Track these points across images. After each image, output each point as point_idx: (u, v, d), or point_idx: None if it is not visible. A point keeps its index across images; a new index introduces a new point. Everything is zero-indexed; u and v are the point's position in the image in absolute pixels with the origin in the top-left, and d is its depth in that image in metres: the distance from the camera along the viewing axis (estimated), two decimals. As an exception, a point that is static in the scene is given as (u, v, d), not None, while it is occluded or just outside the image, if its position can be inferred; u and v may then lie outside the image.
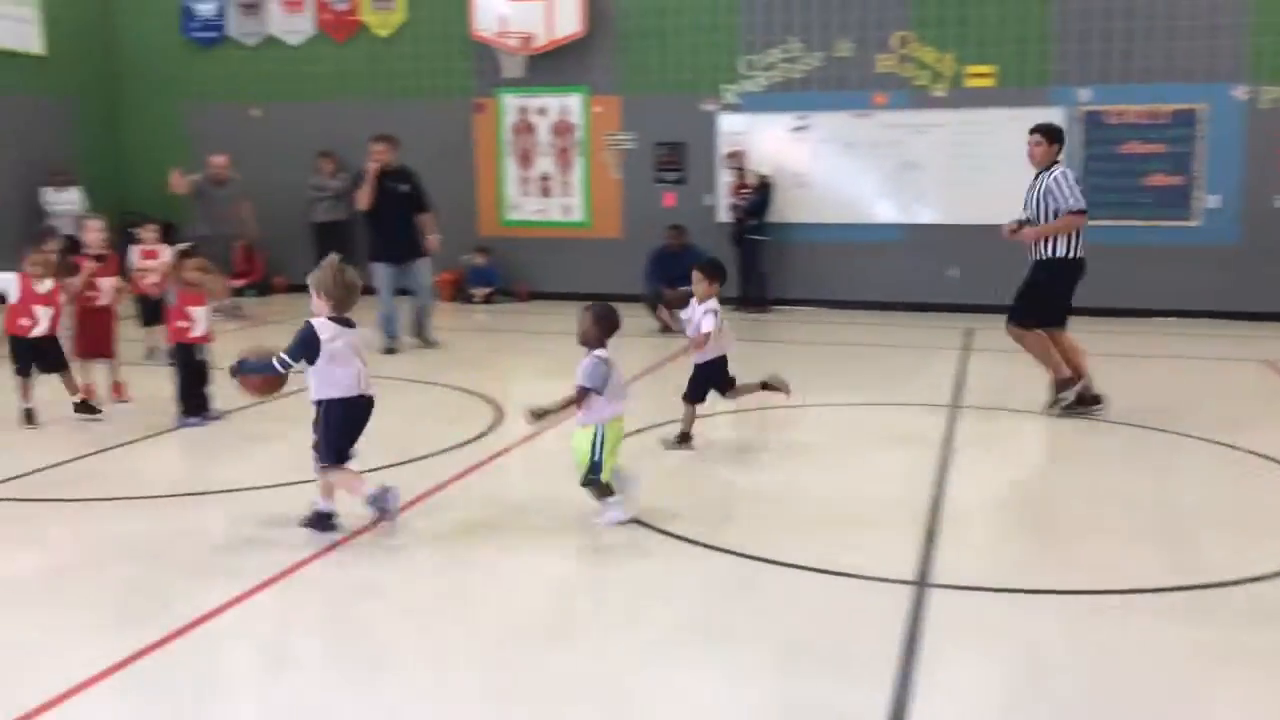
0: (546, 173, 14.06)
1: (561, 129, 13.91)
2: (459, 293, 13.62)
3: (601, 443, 4.92)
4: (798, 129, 13.13)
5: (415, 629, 4.02)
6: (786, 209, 13.10)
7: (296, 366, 4.83)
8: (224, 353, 7.93)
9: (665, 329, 11.34)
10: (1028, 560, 4.74)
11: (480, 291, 13.67)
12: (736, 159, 12.93)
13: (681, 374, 9.31)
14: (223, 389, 7.07)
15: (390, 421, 7.10)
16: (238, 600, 4.16)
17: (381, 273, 9.99)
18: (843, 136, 12.99)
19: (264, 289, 14.12)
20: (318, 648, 3.90)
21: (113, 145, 15.11)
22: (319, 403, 4.83)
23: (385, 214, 10.04)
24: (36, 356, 6.93)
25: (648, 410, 7.63)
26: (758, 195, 12.81)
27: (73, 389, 7.09)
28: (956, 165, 12.71)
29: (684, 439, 6.66)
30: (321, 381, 4.80)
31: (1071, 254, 7.34)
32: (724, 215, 13.20)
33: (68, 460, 6.20)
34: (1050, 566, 4.64)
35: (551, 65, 13.58)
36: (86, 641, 3.83)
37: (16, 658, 3.72)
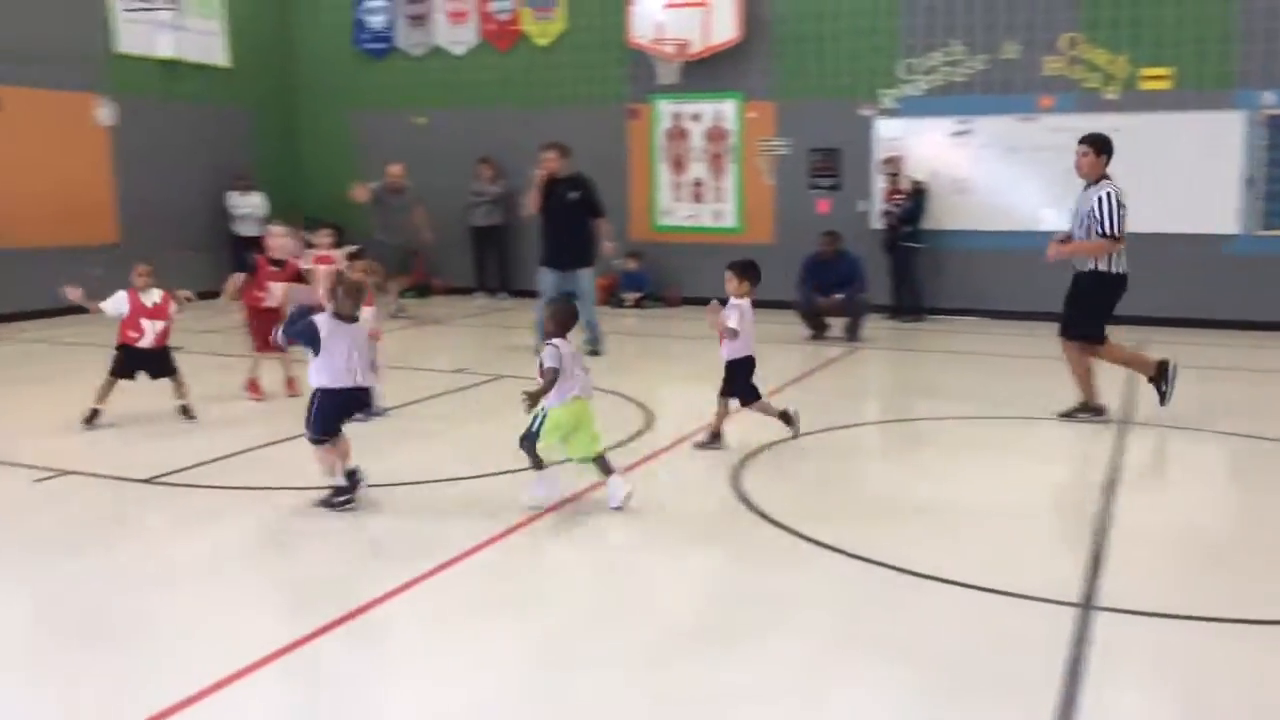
0: (699, 178, 14.10)
1: (715, 135, 13.93)
2: (610, 297, 13.79)
3: (544, 419, 5.32)
4: (958, 133, 12.81)
5: (572, 632, 4.07)
6: (944, 216, 12.80)
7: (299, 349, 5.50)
8: (393, 349, 8.28)
9: (816, 336, 11.27)
10: (1202, 586, 4.49)
11: (631, 296, 13.81)
12: (892, 165, 12.70)
13: (832, 380, 9.24)
14: (389, 386, 7.37)
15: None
16: (394, 593, 4.30)
17: (545, 277, 10.19)
18: (1006, 141, 12.61)
19: (424, 291, 14.59)
20: (471, 646, 3.99)
21: (289, 152, 15.90)
22: (314, 388, 5.38)
23: (552, 220, 10.18)
24: (144, 365, 7.19)
25: (799, 417, 7.57)
26: (911, 202, 12.55)
27: (180, 394, 7.29)
28: (1127, 171, 12.00)
29: (715, 438, 6.66)
30: (316, 370, 5.32)
31: (1112, 270, 7.16)
32: (878, 222, 12.99)
33: (243, 450, 6.54)
34: (1226, 594, 4.38)
35: (706, 71, 13.62)
36: (254, 625, 4.03)
37: (187, 638, 3.93)
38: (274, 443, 6.66)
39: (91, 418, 7.05)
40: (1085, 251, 7.17)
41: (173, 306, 7.28)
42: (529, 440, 5.36)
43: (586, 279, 10.14)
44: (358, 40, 15.43)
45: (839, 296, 11.22)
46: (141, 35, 13.49)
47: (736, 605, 4.30)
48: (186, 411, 7.27)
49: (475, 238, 14.54)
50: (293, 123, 15.97)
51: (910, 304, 12.68)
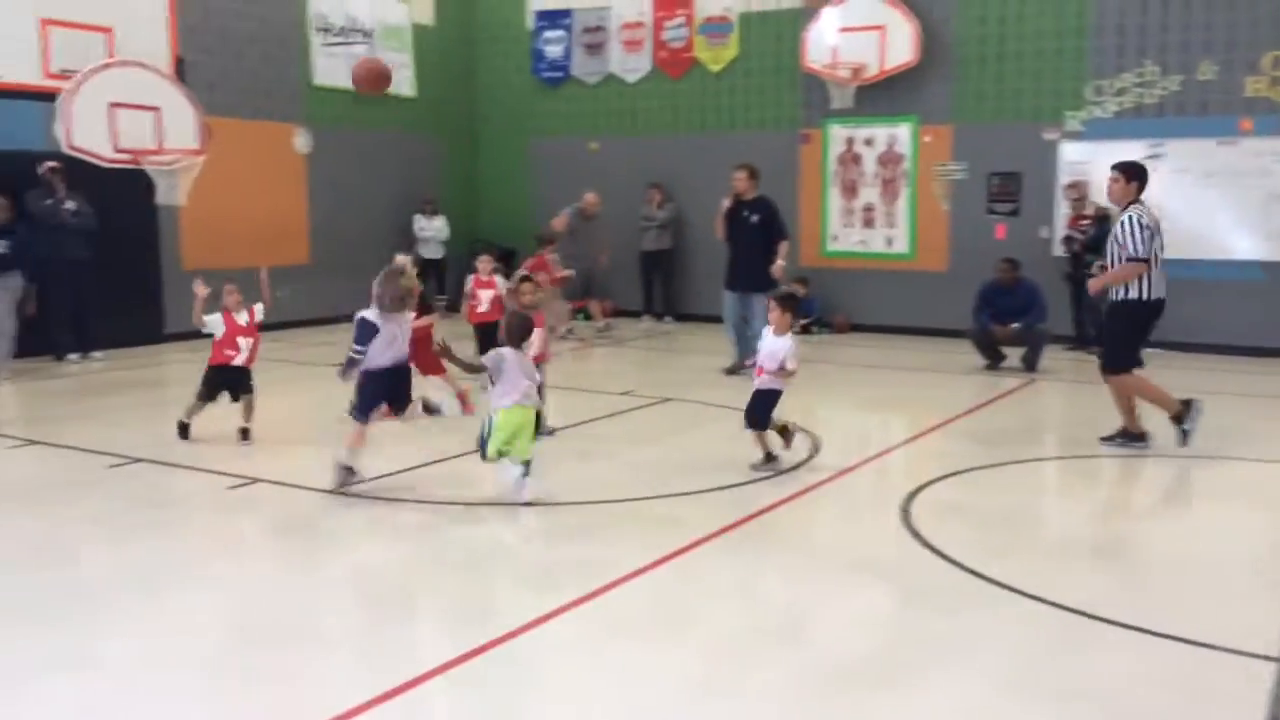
0: (870, 203, 13.90)
1: (888, 159, 13.71)
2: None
3: (491, 426, 5.75)
4: (1150, 157, 12.18)
5: (732, 659, 4.04)
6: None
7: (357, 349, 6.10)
8: (562, 371, 8.44)
9: (991, 366, 10.90)
10: None
11: (798, 322, 13.68)
12: (1077, 190, 12.21)
13: (1008, 412, 8.92)
14: (558, 406, 7.52)
15: (705, 446, 7.27)
16: (556, 613, 4.37)
17: (727, 299, 10.28)
18: (1201, 165, 11.94)
19: (590, 314, 14.83)
20: (627, 670, 4.02)
21: (469, 178, 16.51)
22: (361, 372, 6.14)
23: (734, 242, 10.23)
24: (231, 383, 7.47)
25: (970, 454, 7.35)
26: (1096, 228, 12.01)
27: (246, 416, 7.47)
28: (1336, 197, 11.33)
29: (769, 459, 6.66)
30: (369, 358, 6.09)
31: (1144, 296, 7.16)
32: (1059, 249, 12.50)
33: (414, 466, 6.78)
34: None
35: (881, 95, 13.44)
36: (419, 638, 4.17)
37: (358, 649, 4.08)
38: (456, 456, 6.87)
39: (183, 432, 7.40)
40: (1118, 278, 7.20)
41: (259, 318, 7.55)
42: (482, 443, 5.81)
43: (759, 304, 10.06)
44: (536, 69, 15.90)
45: (1016, 325, 10.84)
46: (336, 68, 14.25)
47: (903, 641, 4.19)
48: (246, 434, 7.39)
49: (643, 262, 14.72)
50: (473, 149, 16.57)
51: (1093, 335, 12.12)
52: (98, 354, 10.96)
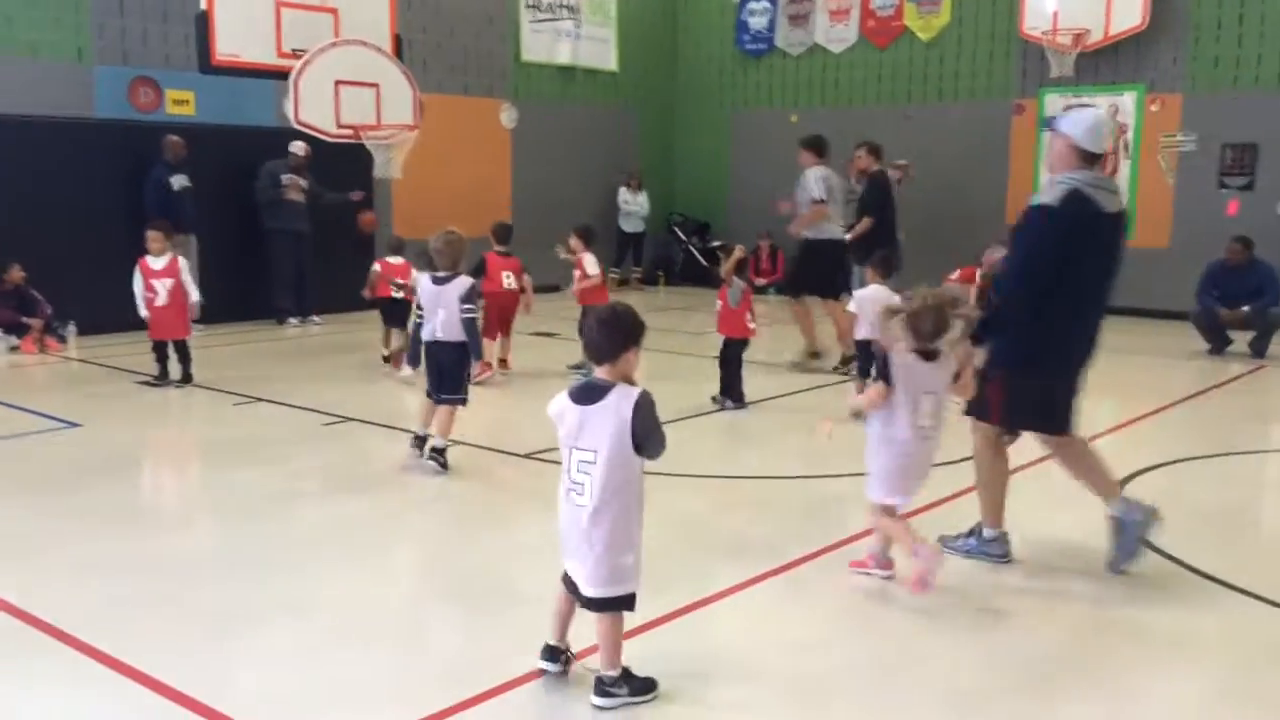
0: (1088, 177, 13.15)
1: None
2: (980, 295, 13.17)
3: None
4: None
5: (932, 642, 3.96)
6: (1387, 221, 11.12)
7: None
8: (762, 347, 8.40)
9: (1215, 350, 10.17)
10: None
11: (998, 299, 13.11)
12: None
13: (1233, 400, 8.31)
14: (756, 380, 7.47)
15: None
16: (742, 586, 4.37)
17: None
18: None
19: (782, 288, 14.65)
20: (835, 633, 3.98)
21: (668, 151, 16.60)
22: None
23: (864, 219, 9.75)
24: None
25: (1188, 439, 6.90)
26: (1348, 203, 11.00)
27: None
28: None
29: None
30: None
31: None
32: (1303, 226, 11.51)
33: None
34: None
35: (1104, 62, 12.69)
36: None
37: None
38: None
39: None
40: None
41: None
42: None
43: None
44: (739, 41, 15.80)
45: (1246, 308, 10.07)
46: (544, 44, 14.58)
47: (1115, 639, 3.97)
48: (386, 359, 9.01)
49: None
50: (673, 122, 16.65)
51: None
52: (316, 319, 11.65)
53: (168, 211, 9.82)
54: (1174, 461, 6.27)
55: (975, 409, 4.59)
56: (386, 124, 10.07)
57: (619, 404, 3.21)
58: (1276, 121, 11.75)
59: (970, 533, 4.74)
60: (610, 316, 3.32)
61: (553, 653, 3.49)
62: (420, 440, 6.07)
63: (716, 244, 14.52)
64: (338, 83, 9.65)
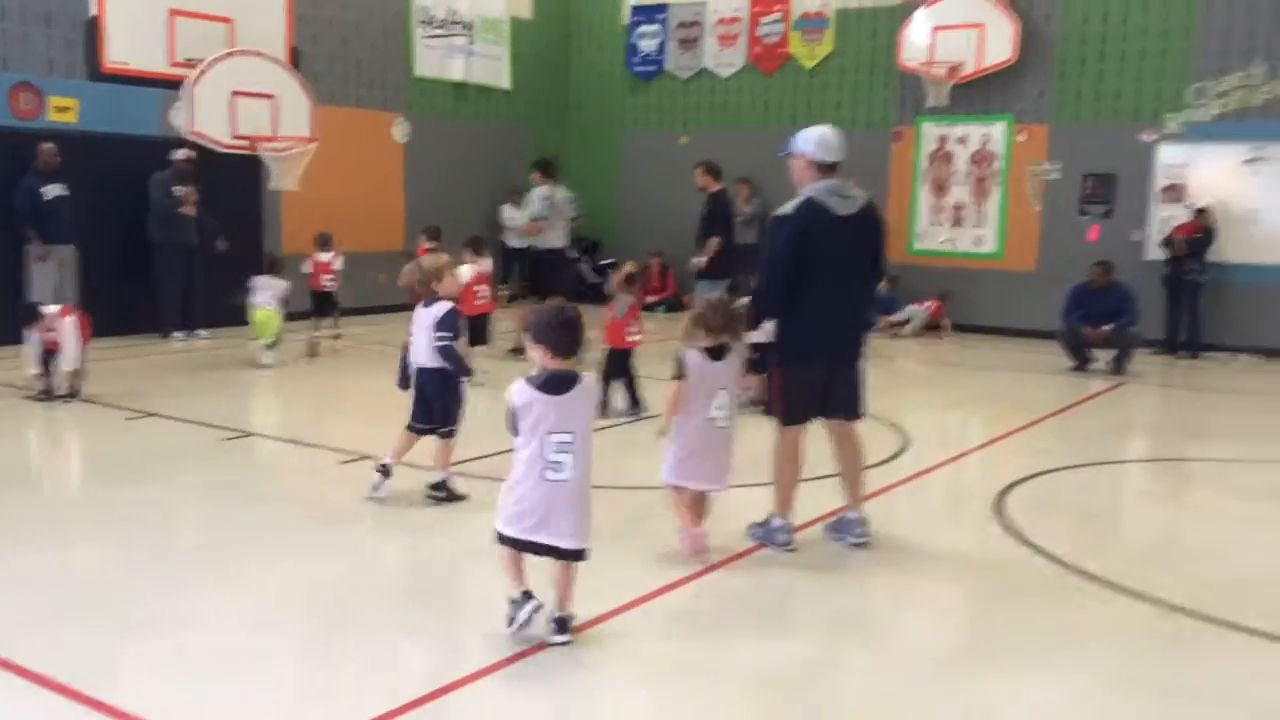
0: (960, 202, 13.84)
1: (981, 158, 13.64)
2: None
3: None
4: (1251, 161, 12.00)
5: (817, 652, 4.19)
6: (1228, 248, 12.02)
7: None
8: (649, 355, 8.59)
9: (1079, 368, 10.83)
10: None
11: (884, 319, 13.66)
12: (1182, 194, 12.06)
13: (1096, 415, 8.88)
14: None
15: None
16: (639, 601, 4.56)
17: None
18: (1305, 170, 11.72)
19: (673, 306, 14.97)
20: (738, 650, 4.18)
21: (561, 169, 16.72)
22: None
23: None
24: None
25: (1060, 452, 7.37)
26: (1202, 234, 11.85)
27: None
28: None
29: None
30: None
31: None
32: (1153, 253, 12.34)
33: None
34: None
35: (977, 93, 13.38)
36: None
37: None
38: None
39: None
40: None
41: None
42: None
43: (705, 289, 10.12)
44: (630, 63, 16.09)
45: (1107, 328, 10.76)
46: (437, 60, 14.60)
47: (1004, 633, 4.27)
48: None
49: (733, 255, 14.82)
50: (565, 141, 16.82)
51: (1188, 339, 11.98)
52: (203, 333, 11.42)
53: (40, 222, 9.54)
54: (1048, 471, 6.69)
55: (766, 407, 5.12)
56: (283, 136, 9.99)
57: (588, 391, 3.86)
58: (1133, 153, 12.58)
59: (764, 521, 5.09)
60: (575, 317, 3.83)
61: (527, 595, 3.90)
62: (384, 469, 5.67)
63: (606, 262, 14.75)
64: (234, 93, 9.56)
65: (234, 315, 10.65)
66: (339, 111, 12.97)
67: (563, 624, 3.88)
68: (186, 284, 11.27)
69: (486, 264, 9.57)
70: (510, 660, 3.76)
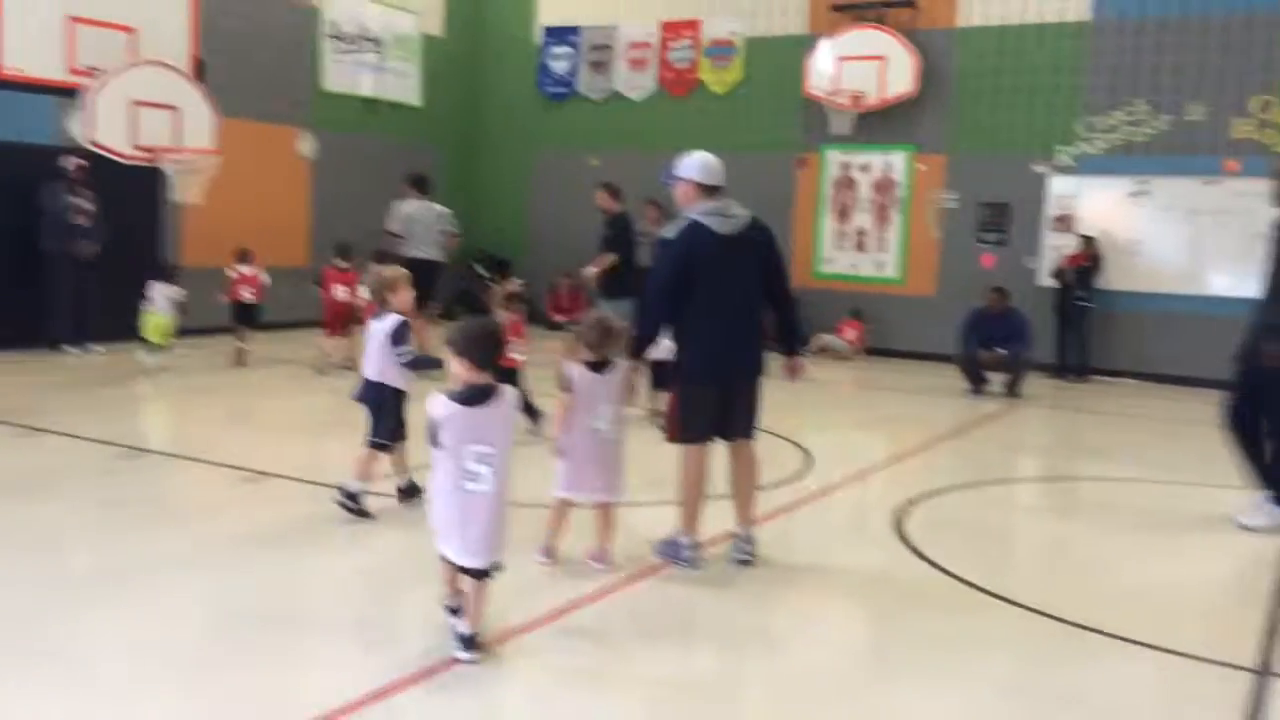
0: (863, 228, 14.20)
1: (883, 186, 14.02)
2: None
3: None
4: (1135, 194, 12.57)
5: (722, 667, 4.27)
6: (1115, 277, 12.56)
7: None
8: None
9: (975, 390, 11.18)
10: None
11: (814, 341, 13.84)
12: (1072, 225, 12.57)
13: (991, 435, 9.19)
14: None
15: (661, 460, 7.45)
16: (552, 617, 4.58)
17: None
18: (1186, 203, 12.31)
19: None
20: (619, 678, 4.22)
21: (470, 188, 16.71)
22: None
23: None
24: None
25: (957, 471, 7.61)
26: (1090, 262, 12.37)
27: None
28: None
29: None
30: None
31: None
32: (1046, 280, 12.83)
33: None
34: None
35: (879, 123, 13.76)
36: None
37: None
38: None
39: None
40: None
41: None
42: None
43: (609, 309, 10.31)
44: (541, 84, 16.16)
45: (1003, 352, 11.13)
46: (346, 75, 14.48)
47: (903, 646, 4.39)
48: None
49: (641, 278, 14.95)
50: (477, 160, 16.80)
51: (1077, 363, 12.46)
52: (98, 347, 11.08)
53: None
54: (945, 489, 6.90)
55: (665, 428, 5.20)
56: (186, 148, 9.80)
57: (508, 405, 3.91)
58: (1026, 183, 13.07)
59: (670, 539, 5.15)
60: (493, 331, 4.02)
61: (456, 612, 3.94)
62: (402, 491, 5.81)
63: (517, 282, 14.72)
64: (135, 103, 9.34)
65: (127, 329, 10.37)
66: (243, 125, 12.76)
67: (469, 641, 3.88)
68: (79, 295, 10.93)
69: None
70: (428, 673, 3.75)
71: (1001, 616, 4.69)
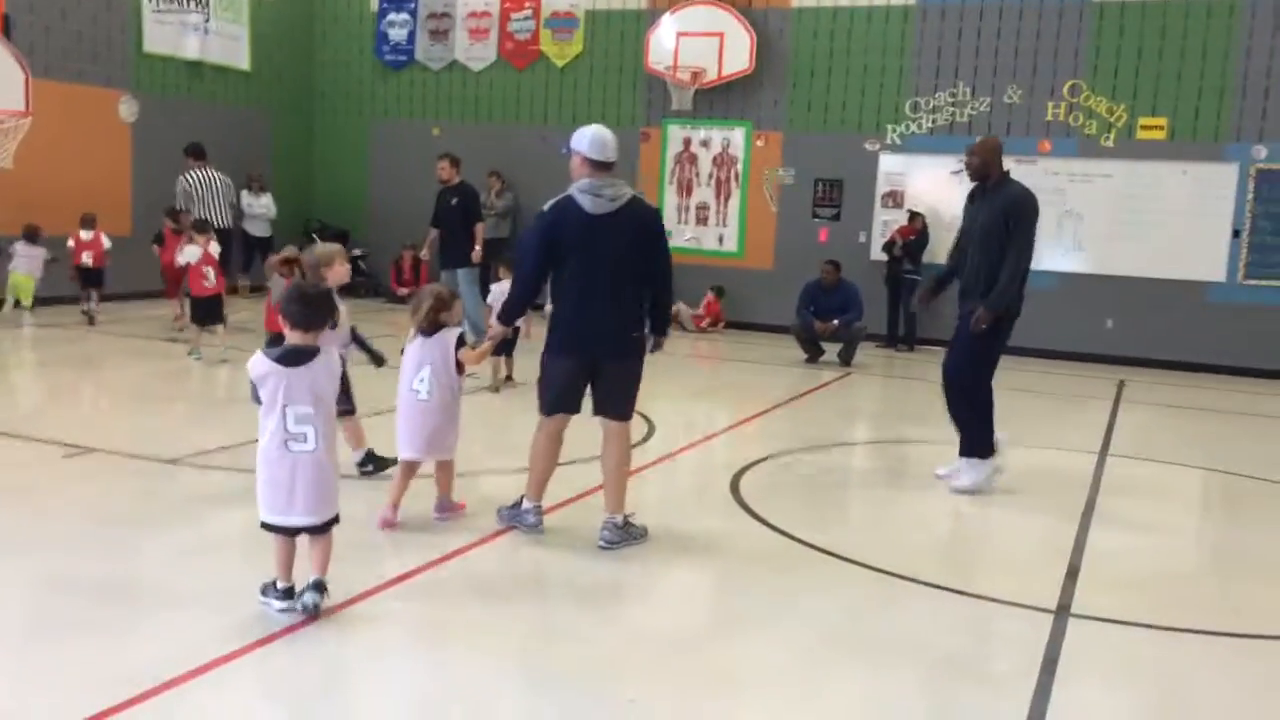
0: (704, 202, 14.45)
1: (723, 161, 14.29)
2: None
3: None
4: (957, 172, 13.17)
5: (566, 625, 4.35)
6: (940, 251, 13.15)
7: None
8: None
9: (811, 360, 11.58)
10: (1170, 600, 4.78)
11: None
12: (897, 199, 13.09)
13: (826, 402, 9.55)
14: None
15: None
16: (391, 583, 4.57)
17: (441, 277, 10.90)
18: (1004, 182, 12.99)
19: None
20: (460, 641, 4.26)
21: (304, 156, 16.21)
22: None
23: (442, 225, 10.94)
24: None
25: (789, 435, 7.88)
26: (916, 237, 12.92)
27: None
28: (1119, 217, 12.58)
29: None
30: None
31: None
32: (877, 254, 13.34)
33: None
34: (1193, 607, 4.68)
35: (718, 99, 14.00)
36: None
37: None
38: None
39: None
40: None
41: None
42: None
43: (463, 280, 10.65)
44: (379, 51, 15.78)
45: (836, 322, 11.54)
46: (169, 36, 13.80)
47: (740, 600, 4.57)
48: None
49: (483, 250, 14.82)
50: (309, 127, 16.29)
51: (905, 334, 13.02)
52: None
53: None
54: (781, 453, 7.15)
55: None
56: (-7, 109, 9.21)
57: (328, 363, 3.94)
58: (858, 161, 13.54)
59: (514, 503, 5.21)
60: (320, 295, 4.07)
61: (288, 593, 3.97)
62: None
63: (357, 252, 14.42)
64: (-66, 60, 8.72)
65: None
66: (58, 86, 12.06)
67: (319, 585, 3.94)
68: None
69: (214, 247, 9.77)
70: (271, 638, 3.69)
71: (828, 570, 4.93)
